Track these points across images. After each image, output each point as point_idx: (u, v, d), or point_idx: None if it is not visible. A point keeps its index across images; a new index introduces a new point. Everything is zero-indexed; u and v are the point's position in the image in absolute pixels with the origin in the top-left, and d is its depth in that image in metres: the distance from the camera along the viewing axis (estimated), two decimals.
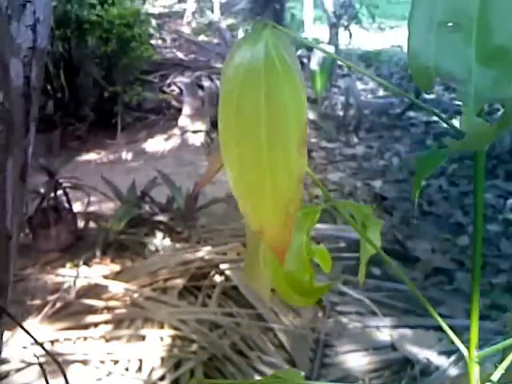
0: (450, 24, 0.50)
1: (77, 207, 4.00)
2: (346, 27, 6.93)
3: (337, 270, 3.41)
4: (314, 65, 5.97)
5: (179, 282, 3.17)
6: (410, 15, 0.53)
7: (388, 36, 11.31)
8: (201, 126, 5.70)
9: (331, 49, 6.13)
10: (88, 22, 5.10)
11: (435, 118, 6.32)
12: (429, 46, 0.51)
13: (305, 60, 6.34)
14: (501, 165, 4.85)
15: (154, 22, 8.19)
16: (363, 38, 10.16)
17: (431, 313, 0.62)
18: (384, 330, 3.00)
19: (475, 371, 0.64)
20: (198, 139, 5.70)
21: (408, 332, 2.97)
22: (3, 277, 0.92)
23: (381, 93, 7.51)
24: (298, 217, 0.64)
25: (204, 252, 3.42)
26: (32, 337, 1.00)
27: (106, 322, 2.92)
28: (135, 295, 3.09)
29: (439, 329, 2.95)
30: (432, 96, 7.25)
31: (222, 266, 3.28)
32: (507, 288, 3.44)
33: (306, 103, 0.49)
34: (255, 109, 0.50)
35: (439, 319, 0.63)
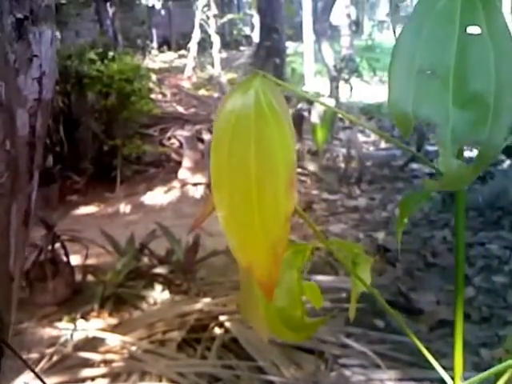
0: (429, 72, 0.54)
1: (75, 260, 3.98)
2: (347, 80, 6.99)
3: (340, 322, 3.34)
4: (314, 118, 5.98)
5: (178, 334, 3.12)
6: (390, 64, 0.57)
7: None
8: (201, 178, 5.67)
9: (332, 102, 6.16)
10: (88, 77, 5.15)
11: None
12: (408, 93, 0.54)
13: (305, 113, 6.36)
14: (506, 216, 4.80)
15: (154, 76, 8.29)
16: (364, 91, 10.25)
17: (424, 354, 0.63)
18: (388, 383, 2.92)
19: None
20: (197, 192, 5.67)
21: None
22: (6, 317, 0.95)
23: (383, 145, 7.52)
24: (288, 254, 0.70)
25: (203, 304, 3.37)
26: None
27: (103, 376, 2.87)
28: (133, 348, 3.06)
29: (445, 382, 2.84)
30: (434, 148, 7.26)
31: (222, 318, 3.23)
32: None
33: (294, 147, 0.53)
34: (245, 152, 0.54)
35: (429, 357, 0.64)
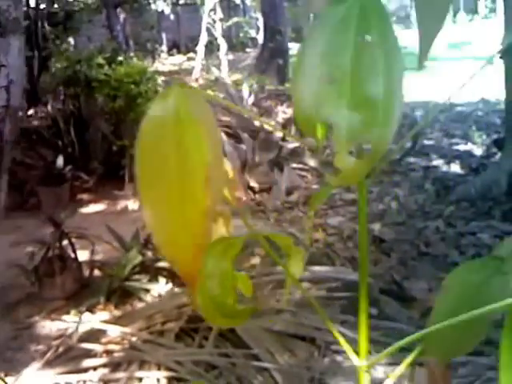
0: (329, 77, 0.58)
1: (82, 256, 4.10)
2: None
3: (335, 311, 3.44)
4: None
5: (175, 324, 3.21)
6: (295, 70, 0.62)
7: None
8: None
9: None
10: (96, 81, 5.35)
11: (434, 163, 6.46)
12: (310, 96, 0.59)
13: None
14: (497, 206, 4.94)
15: (160, 79, 8.49)
16: None
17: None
18: (379, 368, 3.03)
19: (365, 379, 0.74)
20: None
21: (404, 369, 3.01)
22: None
23: None
24: (222, 247, 0.73)
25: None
26: None
27: (105, 366, 2.98)
28: (133, 338, 3.16)
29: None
30: (431, 142, 7.42)
31: None
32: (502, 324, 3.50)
33: (207, 150, 0.58)
34: (167, 154, 0.60)
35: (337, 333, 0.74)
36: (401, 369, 0.75)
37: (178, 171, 0.60)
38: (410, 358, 0.77)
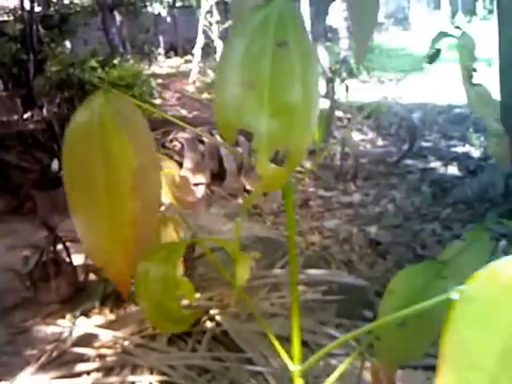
0: (248, 83, 0.59)
1: (77, 260, 4.09)
2: (342, 81, 7.17)
3: (330, 314, 3.45)
4: None
5: None
6: (217, 76, 0.63)
7: (387, 88, 11.56)
8: (201, 178, 5.85)
9: (327, 103, 6.33)
10: (90, 84, 5.34)
11: (432, 165, 6.44)
12: (231, 103, 0.60)
13: None
14: (493, 208, 4.93)
15: (153, 82, 8.51)
16: (363, 91, 10.42)
17: None
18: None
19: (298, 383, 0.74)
20: (199, 191, 5.84)
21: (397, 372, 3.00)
22: None
23: (380, 143, 7.68)
24: (164, 253, 0.74)
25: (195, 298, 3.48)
26: None
27: (98, 370, 2.97)
28: (126, 343, 3.15)
29: (428, 368, 2.99)
30: (429, 144, 7.41)
31: (212, 312, 3.34)
32: None
33: (132, 156, 0.58)
34: (93, 160, 0.60)
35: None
36: (335, 375, 0.76)
37: (104, 178, 0.60)
38: (344, 365, 0.79)
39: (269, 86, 0.58)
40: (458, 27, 0.76)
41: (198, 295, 3.58)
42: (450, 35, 0.67)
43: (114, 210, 0.59)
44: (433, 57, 0.68)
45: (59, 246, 3.95)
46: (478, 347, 0.40)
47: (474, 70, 0.75)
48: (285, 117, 0.58)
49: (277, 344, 0.76)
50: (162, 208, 0.86)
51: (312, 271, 4.01)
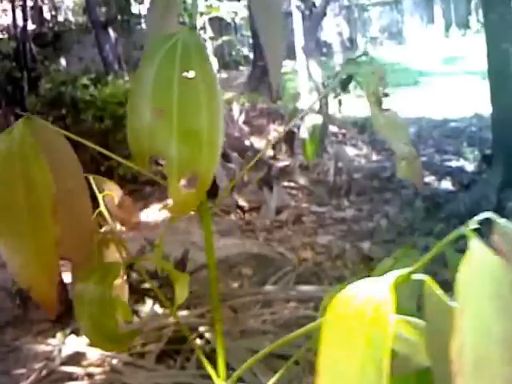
0: (158, 110, 0.62)
1: (67, 278, 4.08)
2: (336, 96, 7.16)
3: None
4: (303, 133, 6.13)
5: (156, 346, 3.19)
6: (129, 104, 0.65)
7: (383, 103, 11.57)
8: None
9: (319, 118, 6.31)
10: (82, 102, 5.34)
11: (426, 180, 6.42)
12: (143, 129, 0.63)
13: (295, 129, 6.53)
14: (486, 223, 4.91)
15: None
16: (358, 106, 10.43)
17: None
18: None
19: None
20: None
21: None
22: None
23: (374, 158, 7.67)
24: (101, 272, 0.76)
25: (182, 316, 3.47)
26: None
27: None
28: (114, 361, 3.14)
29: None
30: (424, 158, 7.40)
31: (202, 329, 3.32)
32: None
33: (51, 182, 0.60)
34: (14, 187, 0.61)
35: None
36: (273, 380, 0.77)
37: (26, 204, 0.61)
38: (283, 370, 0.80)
39: (177, 113, 0.61)
40: (366, 53, 0.76)
41: (187, 312, 3.57)
42: (359, 62, 0.68)
43: (36, 234, 0.61)
44: (345, 84, 0.68)
45: None
46: (343, 364, 0.43)
47: (386, 95, 0.75)
48: (193, 143, 0.62)
49: (204, 360, 0.77)
50: (105, 229, 0.85)
51: (304, 287, 4.00)
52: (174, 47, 0.62)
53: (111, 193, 0.80)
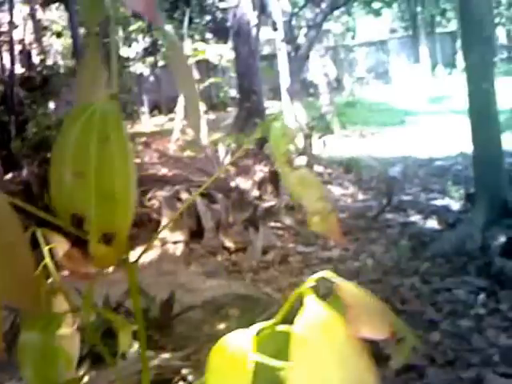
0: (78, 172, 0.66)
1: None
2: (320, 137, 7.26)
3: None
4: None
5: None
6: (52, 165, 0.70)
7: (369, 142, 11.70)
8: (180, 236, 5.84)
9: (303, 159, 6.39)
10: None
11: (411, 219, 6.46)
12: (65, 189, 0.68)
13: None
14: (472, 261, 4.91)
15: (138, 140, 8.59)
16: (345, 145, 10.54)
17: None
18: None
19: None
20: (178, 250, 5.82)
21: None
22: None
23: (360, 197, 7.71)
24: (44, 321, 0.79)
25: (165, 357, 3.44)
26: None
27: None
28: None
29: None
30: (409, 197, 7.45)
31: (185, 371, 3.30)
32: (476, 382, 3.45)
33: None
34: None
35: None
36: None
37: None
38: None
39: (94, 176, 0.66)
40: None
41: (169, 355, 3.54)
42: (270, 125, 0.71)
43: None
44: (261, 143, 0.70)
45: None
46: None
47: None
48: (108, 203, 0.66)
49: None
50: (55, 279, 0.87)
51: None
52: (92, 115, 0.67)
53: (57, 245, 0.82)
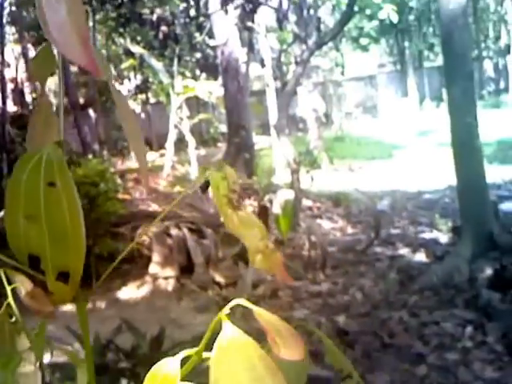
0: (30, 217, 0.70)
1: (44, 359, 4.03)
2: (308, 172, 7.35)
3: None
4: (276, 208, 6.27)
5: None
6: (5, 209, 0.73)
7: (357, 176, 11.81)
8: (170, 272, 5.86)
9: (291, 193, 6.47)
10: None
11: (400, 252, 6.51)
12: (20, 231, 0.71)
13: (268, 204, 6.65)
14: (459, 294, 4.95)
15: (132, 176, 8.63)
16: (334, 180, 10.64)
17: None
18: None
19: None
20: (169, 285, 5.84)
21: None
22: None
23: (349, 231, 7.77)
24: (3, 360, 0.80)
25: None
26: None
27: None
28: None
29: None
30: (398, 231, 7.51)
31: None
32: None
33: None
34: None
35: None
36: None
37: None
38: None
39: (45, 218, 0.70)
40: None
41: None
42: (210, 169, 0.75)
43: None
44: (203, 188, 0.76)
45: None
46: None
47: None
48: (61, 244, 0.70)
49: None
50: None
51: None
52: (39, 161, 0.71)
53: (20, 285, 0.85)
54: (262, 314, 0.59)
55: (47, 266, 0.70)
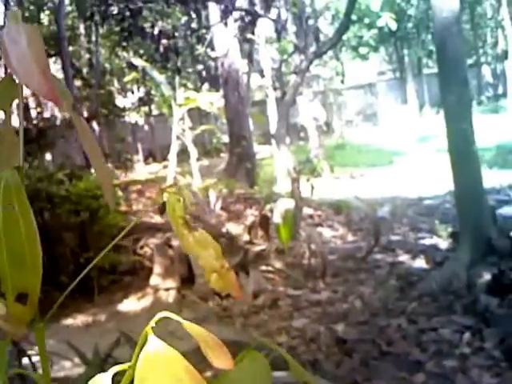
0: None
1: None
2: (308, 180, 7.40)
3: None
4: (276, 218, 6.32)
5: None
6: None
7: (358, 183, 11.85)
8: (171, 283, 5.91)
9: (292, 202, 6.52)
10: (58, 197, 5.49)
11: (400, 259, 6.54)
12: None
13: (269, 214, 6.71)
14: (457, 300, 4.97)
15: (136, 187, 8.70)
16: (335, 187, 10.68)
17: None
18: None
19: None
20: (170, 296, 5.88)
21: None
22: None
23: (350, 238, 7.80)
24: None
25: None
26: None
27: None
28: None
29: None
30: (398, 237, 7.54)
31: None
32: None
33: None
34: None
35: None
36: None
37: None
38: None
39: (4, 241, 0.71)
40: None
41: None
42: (171, 191, 0.79)
43: None
44: (162, 209, 0.80)
45: (25, 360, 3.94)
46: None
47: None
48: (19, 265, 0.72)
49: None
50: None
51: (276, 374, 3.99)
52: None
53: None
54: (191, 327, 0.62)
55: (7, 287, 0.71)
